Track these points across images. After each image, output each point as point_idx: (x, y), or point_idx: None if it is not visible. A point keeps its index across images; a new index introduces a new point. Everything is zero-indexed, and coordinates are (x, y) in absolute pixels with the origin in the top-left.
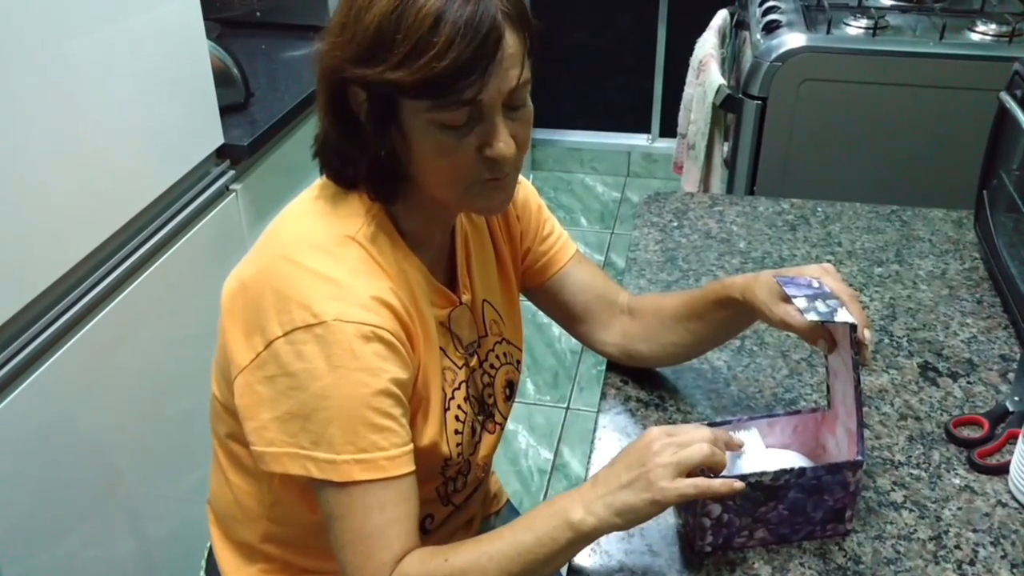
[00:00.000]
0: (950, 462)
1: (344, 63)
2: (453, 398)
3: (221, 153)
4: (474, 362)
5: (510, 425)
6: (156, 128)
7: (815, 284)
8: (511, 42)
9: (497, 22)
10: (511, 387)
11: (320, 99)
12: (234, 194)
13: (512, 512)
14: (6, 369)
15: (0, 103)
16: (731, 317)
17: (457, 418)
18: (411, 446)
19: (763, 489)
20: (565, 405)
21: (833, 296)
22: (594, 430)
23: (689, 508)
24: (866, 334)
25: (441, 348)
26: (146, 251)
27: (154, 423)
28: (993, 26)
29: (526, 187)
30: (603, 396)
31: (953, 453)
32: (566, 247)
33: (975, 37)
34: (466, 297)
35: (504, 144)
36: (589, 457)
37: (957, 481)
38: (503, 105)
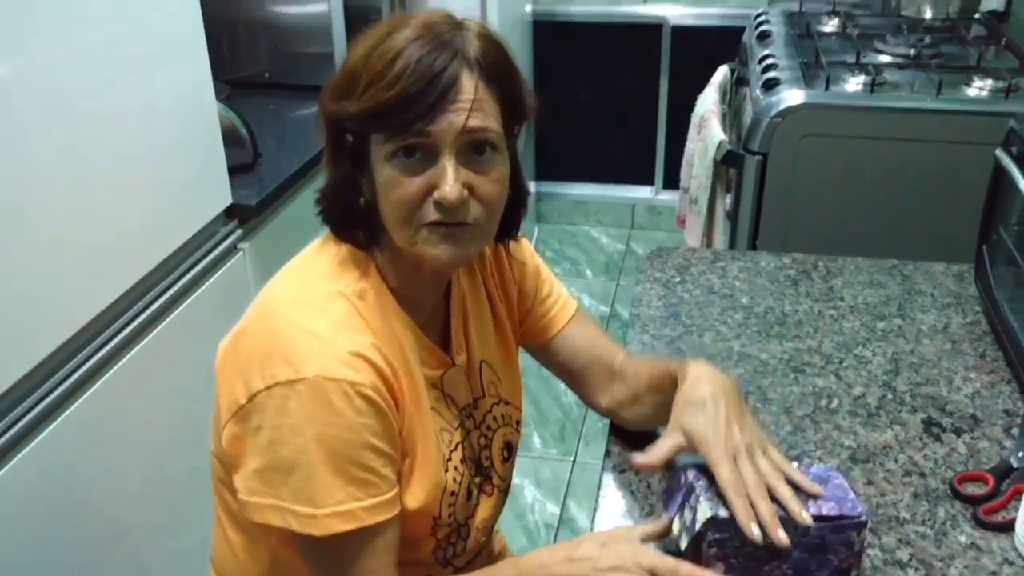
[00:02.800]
0: (955, 519)
1: (325, 100)
2: (450, 459)
3: (229, 213)
4: (470, 424)
5: (516, 479)
6: (166, 188)
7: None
8: (470, 87)
9: (454, 63)
10: (509, 448)
11: (324, 142)
12: (242, 253)
13: None
14: (15, 429)
15: (12, 162)
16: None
17: (454, 479)
18: (392, 494)
19: (765, 547)
20: (572, 458)
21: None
22: (599, 487)
23: (688, 558)
24: (753, 530)
25: (434, 408)
26: (155, 310)
27: (159, 481)
28: (989, 82)
29: (524, 249)
30: (607, 454)
31: (958, 510)
32: (565, 308)
33: (972, 93)
34: (461, 359)
35: (450, 188)
36: (594, 513)
37: (963, 539)
38: (460, 150)
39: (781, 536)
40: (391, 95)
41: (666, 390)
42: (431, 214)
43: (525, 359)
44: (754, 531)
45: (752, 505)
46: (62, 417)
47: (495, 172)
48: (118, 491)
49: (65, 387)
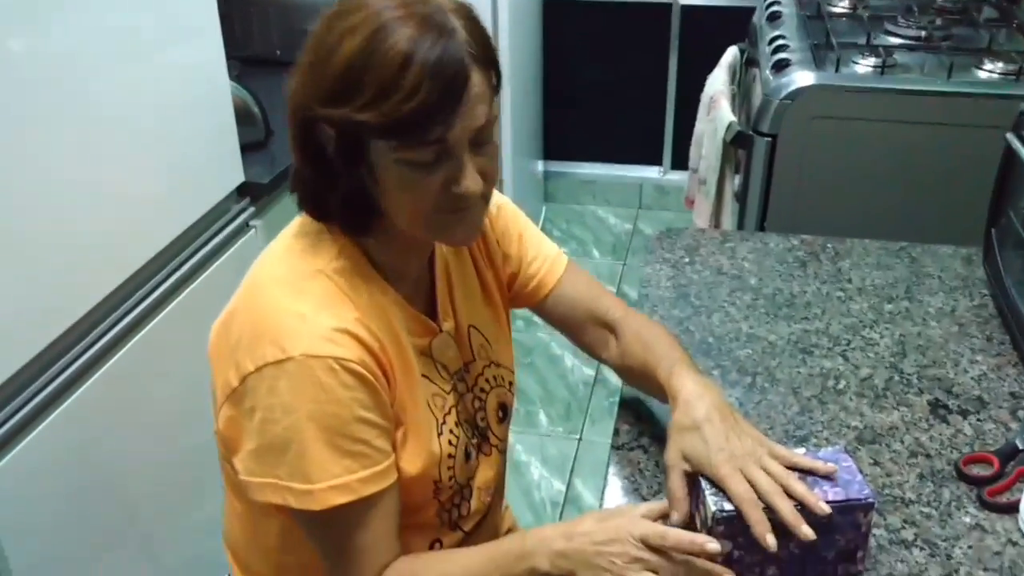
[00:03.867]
0: (960, 500)
1: (312, 102)
2: (444, 423)
3: (242, 190)
4: (462, 387)
5: (522, 456)
6: (178, 166)
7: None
8: (477, 82)
9: (464, 63)
10: (504, 409)
11: (290, 135)
12: (254, 230)
13: None
14: (30, 405)
15: (27, 140)
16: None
17: (450, 442)
18: (386, 463)
19: (774, 527)
20: (578, 436)
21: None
22: (607, 467)
23: None
24: (768, 540)
25: (424, 375)
26: (168, 287)
27: (172, 456)
28: (1000, 64)
29: (506, 213)
30: (615, 432)
31: (964, 491)
32: (555, 267)
33: (982, 75)
34: (447, 325)
35: (471, 182)
36: (603, 492)
37: (967, 519)
38: (470, 142)
39: (806, 531)
40: (413, 107)
41: (657, 390)
42: (447, 203)
43: (529, 337)
44: (769, 541)
45: (773, 508)
46: (77, 394)
47: (492, 148)
48: (132, 466)
49: (79, 364)
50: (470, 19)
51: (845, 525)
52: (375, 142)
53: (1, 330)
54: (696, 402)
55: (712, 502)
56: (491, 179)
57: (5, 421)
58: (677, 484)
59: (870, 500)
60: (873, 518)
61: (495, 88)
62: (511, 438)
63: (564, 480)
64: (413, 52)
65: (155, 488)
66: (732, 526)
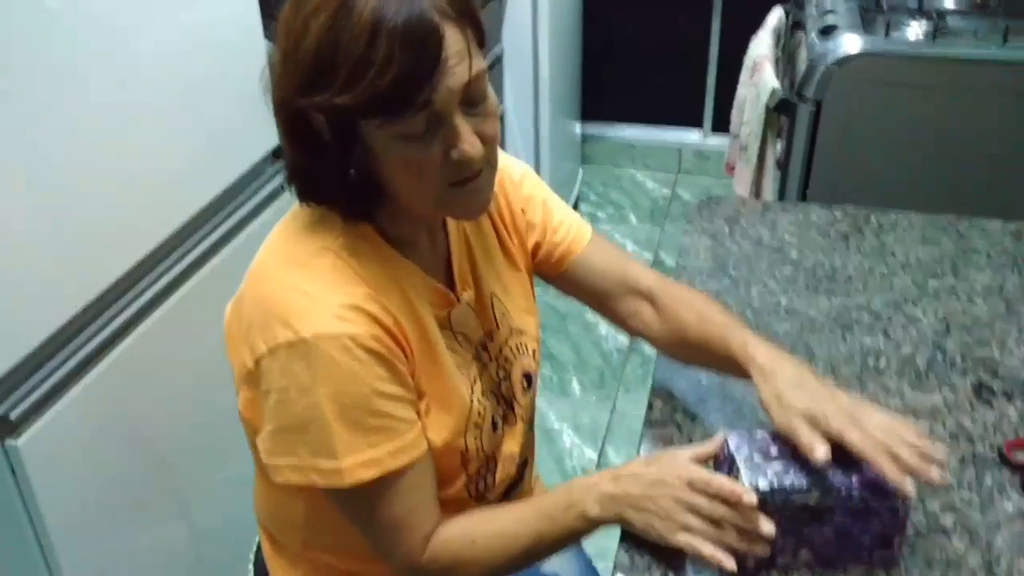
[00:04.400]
0: (1003, 487)
1: (292, 94)
2: (472, 392)
3: (276, 153)
4: (485, 357)
5: (554, 424)
6: (212, 128)
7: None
8: (452, 39)
9: (434, 23)
10: (528, 379)
11: (280, 129)
12: (288, 193)
13: None
14: (71, 363)
15: (59, 103)
16: (737, 374)
17: (479, 412)
18: (413, 434)
19: (808, 510)
20: (611, 405)
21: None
22: (639, 442)
23: None
24: (908, 486)
25: (448, 347)
26: (203, 250)
27: (208, 418)
28: None
29: (530, 179)
30: (649, 407)
31: (1007, 477)
32: (580, 234)
33: None
34: (467, 295)
35: (468, 145)
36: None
37: (1009, 507)
38: (461, 103)
39: (934, 476)
40: (388, 80)
41: (724, 361)
42: (452, 174)
43: (563, 303)
44: (909, 487)
45: (894, 456)
46: (112, 355)
47: (491, 107)
48: (165, 426)
49: (115, 325)
50: None
51: (883, 510)
52: (365, 122)
53: (41, 290)
54: (786, 365)
55: (747, 479)
56: (490, 140)
57: (40, 384)
58: (809, 437)
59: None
60: (911, 505)
61: (479, 41)
62: (543, 405)
63: (596, 448)
64: (379, 21)
65: (189, 449)
66: (766, 505)
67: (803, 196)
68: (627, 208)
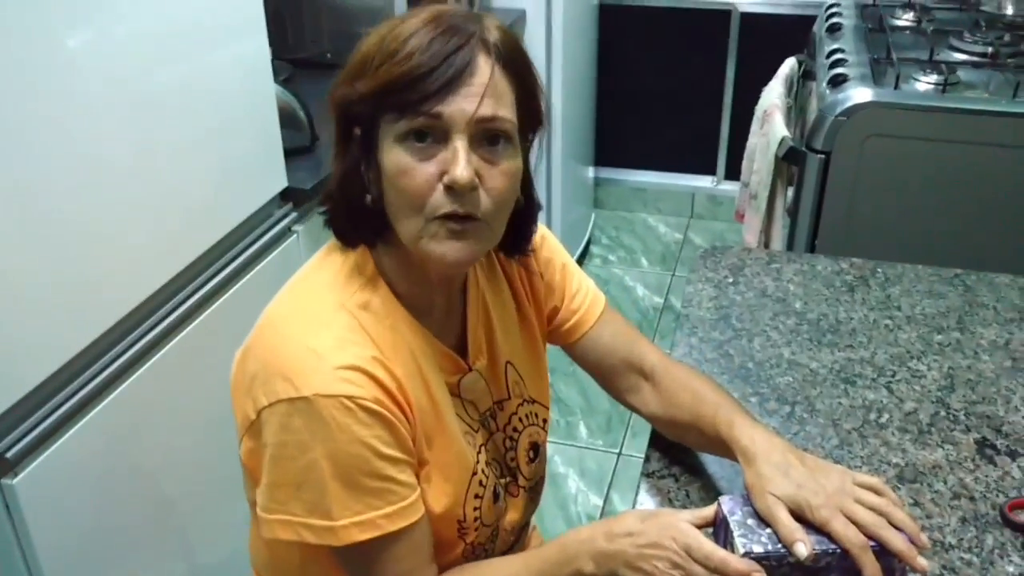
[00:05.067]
0: (1004, 548)
1: (335, 87)
2: (478, 462)
3: (285, 195)
4: (493, 426)
5: (560, 468)
6: (223, 169)
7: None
8: (484, 69)
9: (470, 44)
10: (535, 448)
11: (334, 139)
12: (296, 235)
13: None
14: (71, 402)
15: (72, 140)
16: (728, 456)
17: (480, 483)
18: (413, 497)
19: (803, 571)
20: (617, 451)
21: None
22: (635, 494)
23: None
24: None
25: (457, 414)
26: (209, 289)
27: (208, 457)
28: None
29: (550, 243)
30: (646, 459)
31: (1008, 538)
32: (595, 304)
33: None
34: (480, 363)
35: (461, 169)
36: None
37: (1011, 569)
38: (473, 136)
39: (922, 564)
40: (403, 70)
41: (713, 443)
42: (442, 205)
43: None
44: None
45: (882, 542)
46: (115, 394)
47: (506, 164)
48: (167, 467)
49: (122, 362)
50: (507, 32)
51: (880, 567)
52: (383, 130)
53: (42, 329)
54: (770, 449)
55: (741, 544)
56: (494, 193)
57: (44, 419)
58: (791, 530)
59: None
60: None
61: (524, 110)
62: (549, 449)
63: (601, 494)
64: (418, 30)
65: (190, 489)
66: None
67: (812, 245)
68: (639, 252)
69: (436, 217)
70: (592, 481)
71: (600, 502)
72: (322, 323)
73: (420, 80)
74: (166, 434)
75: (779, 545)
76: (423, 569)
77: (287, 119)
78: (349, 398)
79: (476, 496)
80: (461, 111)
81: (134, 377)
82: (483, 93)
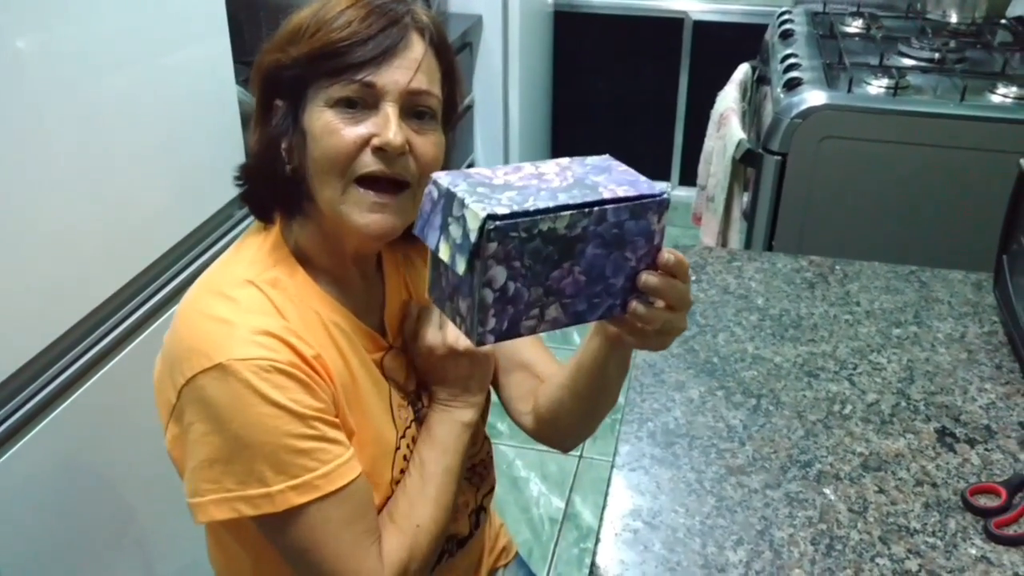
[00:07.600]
0: (966, 531)
1: (261, 56)
2: (403, 436)
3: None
4: (419, 404)
5: (521, 472)
6: (182, 170)
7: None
8: (420, 49)
9: (404, 22)
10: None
11: (254, 112)
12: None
13: (521, 565)
14: (28, 406)
15: (30, 143)
16: (601, 352)
17: (405, 457)
18: (348, 455)
19: (556, 242)
20: (578, 454)
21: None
22: (607, 486)
23: (465, 287)
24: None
25: (378, 391)
26: (169, 291)
27: (166, 464)
28: (1014, 88)
29: None
30: (616, 452)
31: (970, 522)
32: None
33: (996, 99)
34: (400, 341)
35: (393, 133)
36: (602, 512)
37: (973, 551)
38: (403, 108)
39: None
40: (341, 35)
41: (590, 355)
42: (368, 163)
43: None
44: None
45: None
46: (72, 398)
47: (434, 136)
48: (127, 469)
49: (80, 364)
50: (438, 23)
51: (636, 234)
52: (311, 96)
53: None
54: None
55: (479, 209)
56: (422, 160)
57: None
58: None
59: (663, 196)
60: (667, 225)
61: (447, 95)
62: (510, 453)
63: (563, 497)
64: (354, 3)
65: (149, 497)
66: (507, 243)
67: (769, 247)
68: None
69: (361, 177)
70: (554, 484)
71: (562, 504)
72: (228, 297)
73: (358, 46)
74: (123, 441)
75: (526, 204)
76: (370, 535)
77: (247, 120)
78: (264, 359)
79: (402, 471)
80: (394, 82)
81: (90, 383)
82: (416, 68)
